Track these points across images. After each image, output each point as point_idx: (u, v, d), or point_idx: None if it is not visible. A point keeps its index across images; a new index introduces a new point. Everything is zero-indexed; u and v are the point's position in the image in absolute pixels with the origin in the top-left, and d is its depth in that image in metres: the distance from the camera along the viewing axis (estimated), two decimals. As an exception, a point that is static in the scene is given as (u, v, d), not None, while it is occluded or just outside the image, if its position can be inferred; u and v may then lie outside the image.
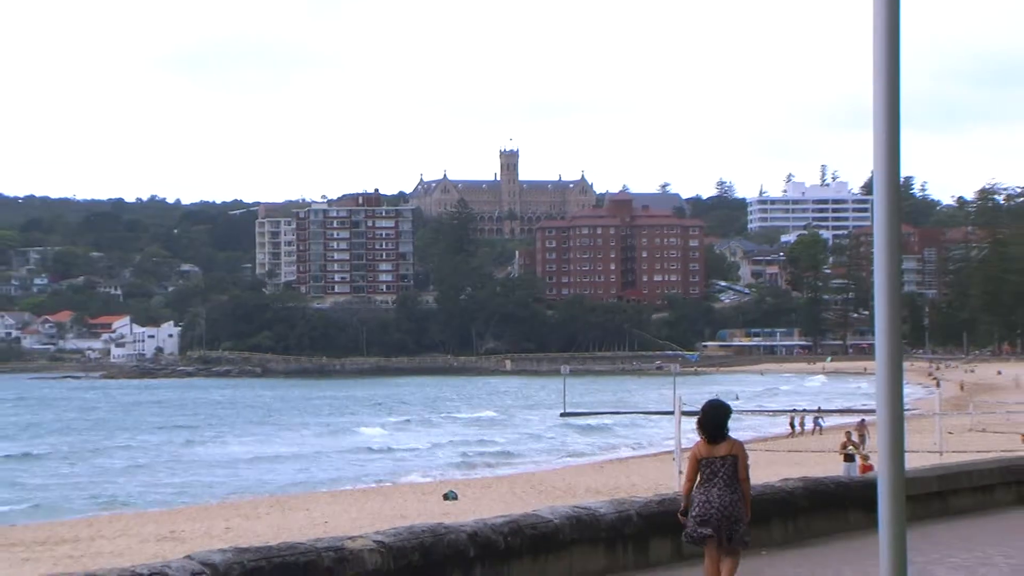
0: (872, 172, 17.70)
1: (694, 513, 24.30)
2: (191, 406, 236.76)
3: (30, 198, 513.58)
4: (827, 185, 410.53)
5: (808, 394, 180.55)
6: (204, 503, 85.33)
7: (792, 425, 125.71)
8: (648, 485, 55.28)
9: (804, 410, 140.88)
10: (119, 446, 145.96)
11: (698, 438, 25.54)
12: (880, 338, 16.76)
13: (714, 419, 25.08)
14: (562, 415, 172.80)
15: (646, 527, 31.62)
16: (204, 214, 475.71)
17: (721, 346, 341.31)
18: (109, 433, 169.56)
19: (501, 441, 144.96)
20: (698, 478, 24.20)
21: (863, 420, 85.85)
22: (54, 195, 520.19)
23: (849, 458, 64.17)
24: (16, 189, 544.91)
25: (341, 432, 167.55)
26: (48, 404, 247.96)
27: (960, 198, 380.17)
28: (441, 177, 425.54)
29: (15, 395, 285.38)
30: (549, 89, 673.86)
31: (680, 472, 60.84)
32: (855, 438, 73.83)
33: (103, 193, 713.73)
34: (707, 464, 24.68)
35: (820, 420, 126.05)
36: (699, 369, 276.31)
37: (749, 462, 25.03)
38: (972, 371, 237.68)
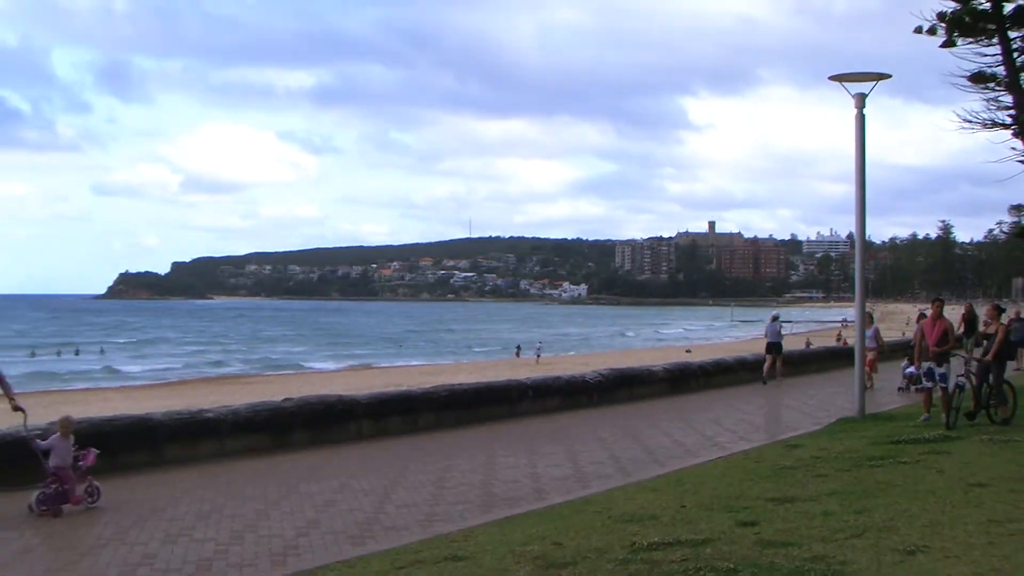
0: (853, 229, 26.01)
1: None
2: (595, 317, 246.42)
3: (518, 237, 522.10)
4: (832, 234, 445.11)
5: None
6: (593, 352, 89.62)
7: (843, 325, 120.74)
8: (764, 348, 61.56)
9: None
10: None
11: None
12: (857, 293, 25.22)
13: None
14: (731, 321, 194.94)
15: (759, 363, 36.11)
16: (601, 247, 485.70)
17: (791, 297, 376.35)
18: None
19: (706, 329, 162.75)
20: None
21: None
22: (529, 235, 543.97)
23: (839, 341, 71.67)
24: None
25: (658, 326, 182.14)
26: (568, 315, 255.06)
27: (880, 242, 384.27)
28: (683, 231, 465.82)
29: (525, 313, 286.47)
30: (724, 194, 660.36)
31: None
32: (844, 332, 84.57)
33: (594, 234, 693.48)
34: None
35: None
36: (778, 306, 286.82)
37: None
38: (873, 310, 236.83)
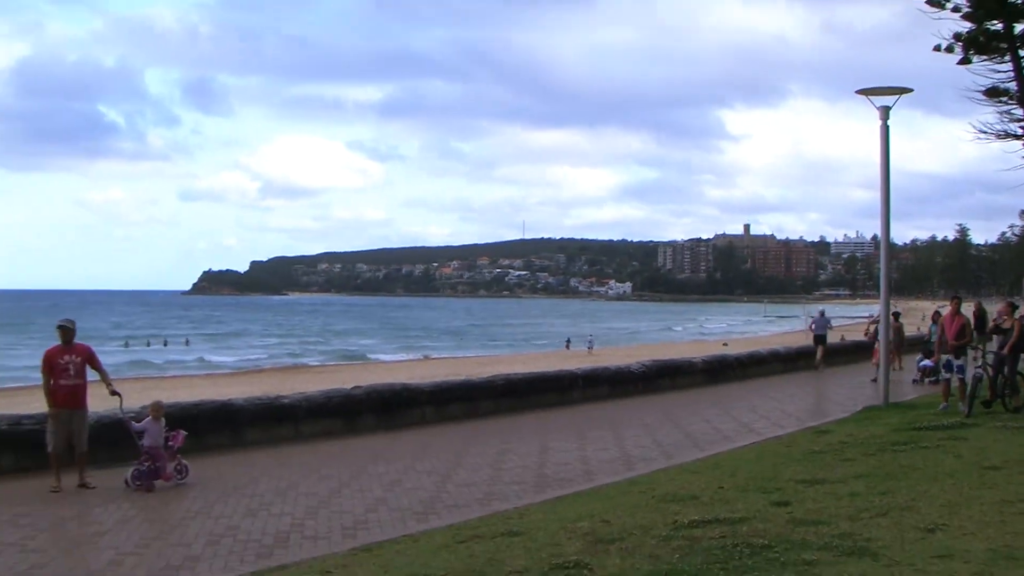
0: (878, 231, 25.99)
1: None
2: (640, 312, 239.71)
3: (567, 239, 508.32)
4: (858, 236, 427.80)
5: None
6: (639, 345, 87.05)
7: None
8: (795, 342, 54.77)
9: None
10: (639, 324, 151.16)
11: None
12: (882, 291, 25.05)
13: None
14: (764, 316, 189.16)
15: (795, 355, 36.97)
16: (644, 247, 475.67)
17: (819, 295, 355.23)
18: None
19: (743, 324, 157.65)
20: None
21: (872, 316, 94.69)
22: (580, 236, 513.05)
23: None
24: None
25: (701, 321, 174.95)
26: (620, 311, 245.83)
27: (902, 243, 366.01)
28: (721, 233, 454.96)
29: (576, 309, 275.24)
30: (759, 199, 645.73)
31: (807, 337, 62.63)
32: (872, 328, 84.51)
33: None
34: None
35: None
36: (808, 303, 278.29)
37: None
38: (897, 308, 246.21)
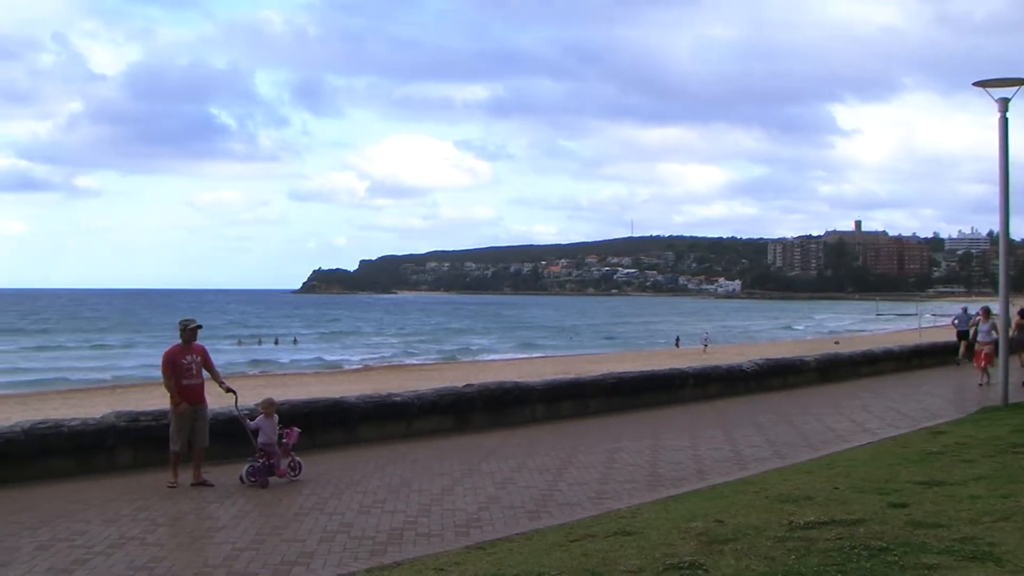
0: (994, 227, 24.94)
1: None
2: (752, 310, 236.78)
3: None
4: (973, 232, 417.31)
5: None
6: (751, 343, 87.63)
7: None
8: (909, 341, 52.39)
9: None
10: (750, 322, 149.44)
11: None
12: (1001, 288, 24.23)
13: None
14: (877, 314, 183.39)
15: (911, 354, 36.18)
16: (754, 245, 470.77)
17: (933, 292, 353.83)
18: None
19: (859, 322, 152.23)
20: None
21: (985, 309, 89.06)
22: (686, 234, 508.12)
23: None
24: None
25: (811, 319, 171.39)
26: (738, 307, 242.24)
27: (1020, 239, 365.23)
28: (831, 230, 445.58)
29: (688, 307, 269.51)
30: (870, 195, 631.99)
31: (920, 336, 61.46)
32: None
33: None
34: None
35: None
36: (921, 301, 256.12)
37: None
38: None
